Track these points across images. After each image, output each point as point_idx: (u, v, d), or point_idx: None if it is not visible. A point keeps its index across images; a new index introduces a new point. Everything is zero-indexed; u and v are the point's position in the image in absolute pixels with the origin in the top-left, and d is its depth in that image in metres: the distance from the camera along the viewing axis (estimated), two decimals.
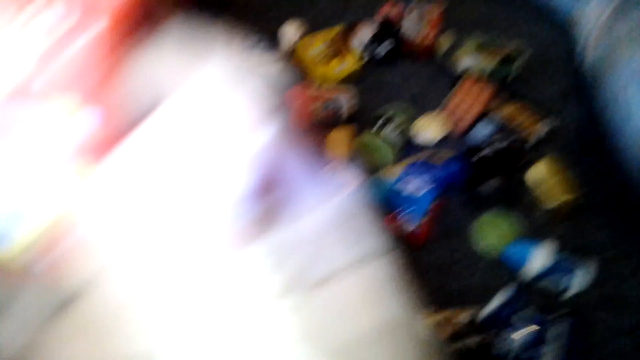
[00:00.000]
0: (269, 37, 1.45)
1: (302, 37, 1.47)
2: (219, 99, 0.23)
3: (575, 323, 1.14)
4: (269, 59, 1.39)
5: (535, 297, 1.20)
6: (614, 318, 1.18)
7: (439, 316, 1.09)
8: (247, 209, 0.20)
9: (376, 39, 1.48)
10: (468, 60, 1.50)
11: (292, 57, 1.47)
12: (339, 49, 1.44)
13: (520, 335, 1.09)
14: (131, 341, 0.29)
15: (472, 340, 1.07)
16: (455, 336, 1.07)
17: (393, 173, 1.26)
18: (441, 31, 1.58)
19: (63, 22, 0.20)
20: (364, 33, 1.49)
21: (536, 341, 1.09)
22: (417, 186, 1.22)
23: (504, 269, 1.23)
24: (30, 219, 0.23)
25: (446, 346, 1.06)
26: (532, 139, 1.40)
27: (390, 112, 1.34)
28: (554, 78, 1.63)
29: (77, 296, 0.29)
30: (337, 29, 1.49)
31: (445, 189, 1.26)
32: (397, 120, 1.33)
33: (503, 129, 1.39)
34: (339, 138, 1.33)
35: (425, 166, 1.25)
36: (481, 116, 1.40)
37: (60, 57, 0.22)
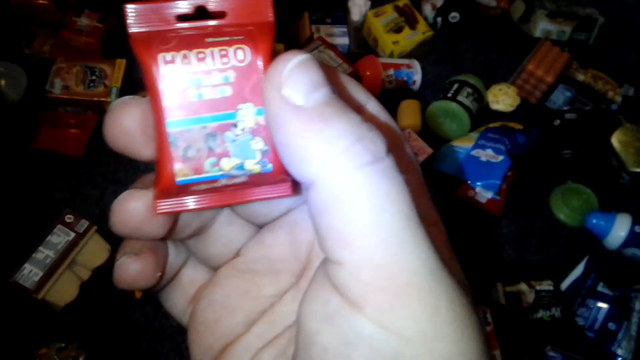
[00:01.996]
0: (339, 8, 1.43)
1: (371, 6, 1.44)
2: None
3: None
4: (339, 30, 1.38)
5: (619, 268, 1.16)
6: None
7: (521, 286, 1.06)
8: None
9: (448, 6, 1.44)
10: (544, 26, 1.46)
11: (362, 27, 1.45)
12: (409, 17, 1.41)
13: (605, 305, 1.06)
14: None
15: (554, 310, 1.04)
16: (537, 306, 1.04)
17: (469, 140, 1.23)
18: None
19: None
20: (436, 0, 1.45)
21: (621, 312, 1.05)
22: (494, 153, 1.18)
23: (586, 239, 1.19)
24: None
25: (528, 316, 1.04)
26: (613, 106, 1.35)
27: (464, 79, 1.30)
28: (632, 45, 1.57)
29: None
30: None
31: (523, 156, 1.23)
32: (472, 87, 1.29)
33: (582, 95, 1.35)
34: (410, 107, 1.30)
35: (502, 133, 1.22)
36: (558, 83, 1.36)
37: None
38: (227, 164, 0.23)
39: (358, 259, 0.20)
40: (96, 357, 0.96)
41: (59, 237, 1.00)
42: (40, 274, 0.96)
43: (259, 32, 0.23)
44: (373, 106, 0.26)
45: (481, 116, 1.33)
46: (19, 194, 1.12)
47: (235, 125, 0.23)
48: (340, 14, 1.41)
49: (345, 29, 1.39)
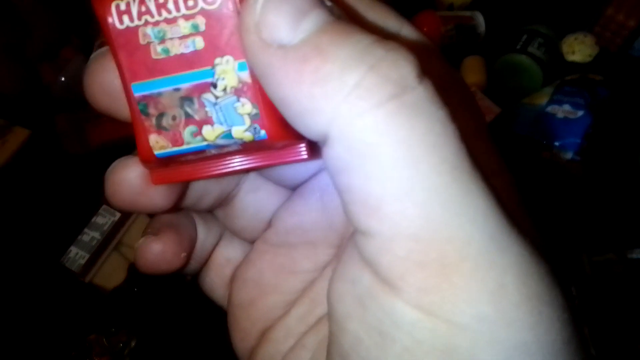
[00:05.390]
0: None
1: None
2: None
3: None
4: None
5: None
6: None
7: (609, 255, 0.98)
8: None
9: None
10: None
11: None
12: None
13: None
14: None
15: None
16: (631, 277, 0.95)
17: (542, 96, 1.14)
18: None
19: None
20: None
21: None
22: (572, 108, 1.09)
23: None
24: None
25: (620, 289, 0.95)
26: None
27: (534, 29, 1.21)
28: None
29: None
30: None
31: (606, 111, 1.12)
32: (543, 37, 1.19)
33: None
34: (474, 64, 1.22)
35: (581, 85, 1.13)
36: None
37: None
38: (210, 133, 0.20)
39: (389, 229, 0.16)
40: (148, 343, 0.93)
41: (104, 218, 0.96)
42: (87, 256, 0.94)
43: None
44: (407, 33, 0.21)
45: (554, 70, 1.23)
46: (64, 175, 1.09)
47: (214, 85, 0.19)
48: None
49: None
